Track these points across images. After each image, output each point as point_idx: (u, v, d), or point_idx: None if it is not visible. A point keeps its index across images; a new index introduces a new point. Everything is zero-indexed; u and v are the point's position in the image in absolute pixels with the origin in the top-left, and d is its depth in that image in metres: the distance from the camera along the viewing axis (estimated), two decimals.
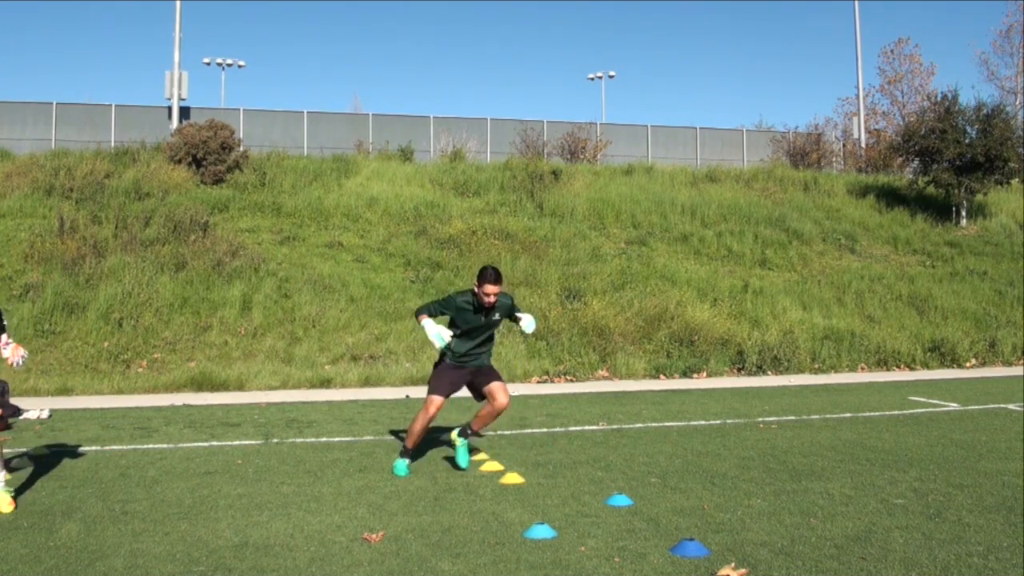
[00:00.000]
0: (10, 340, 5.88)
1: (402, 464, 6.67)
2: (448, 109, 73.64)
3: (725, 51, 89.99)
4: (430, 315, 6.50)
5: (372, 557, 4.54)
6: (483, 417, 6.68)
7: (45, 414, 9.75)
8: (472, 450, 7.06)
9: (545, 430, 8.81)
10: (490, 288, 6.38)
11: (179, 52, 24.12)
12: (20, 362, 5.82)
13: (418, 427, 6.58)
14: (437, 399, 6.53)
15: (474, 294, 6.51)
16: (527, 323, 6.66)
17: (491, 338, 6.76)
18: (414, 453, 6.85)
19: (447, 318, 6.64)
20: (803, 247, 19.58)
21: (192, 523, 5.22)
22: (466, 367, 6.68)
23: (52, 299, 13.72)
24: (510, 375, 13.47)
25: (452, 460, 6.90)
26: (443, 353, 6.71)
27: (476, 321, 6.55)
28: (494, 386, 6.60)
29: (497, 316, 6.62)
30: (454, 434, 6.82)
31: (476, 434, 6.80)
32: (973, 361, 15.52)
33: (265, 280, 15.23)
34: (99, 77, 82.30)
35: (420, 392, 12.15)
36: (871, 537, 4.84)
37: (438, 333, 6.35)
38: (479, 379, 6.69)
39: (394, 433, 8.60)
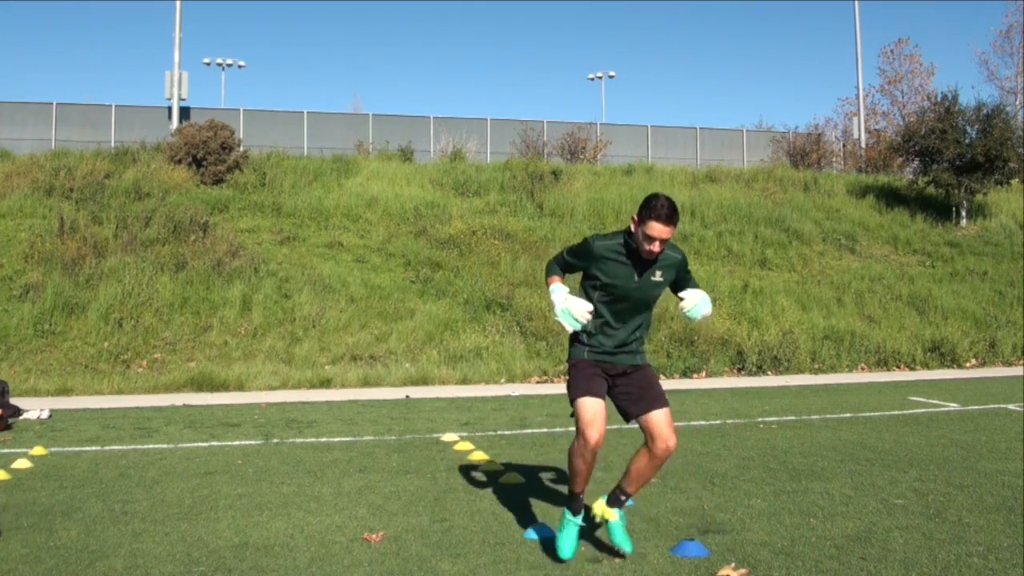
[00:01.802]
0: None
1: (571, 533, 4.35)
2: (448, 109, 73.65)
3: (725, 51, 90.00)
4: (562, 270, 4.39)
5: (372, 557, 4.54)
6: (641, 470, 4.29)
7: (45, 414, 9.75)
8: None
9: (545, 430, 8.81)
10: (657, 228, 4.03)
11: (179, 52, 24.13)
12: None
13: (580, 463, 4.24)
14: (591, 404, 4.18)
15: (629, 235, 4.20)
16: (694, 302, 4.24)
17: (644, 322, 4.38)
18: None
19: (580, 279, 4.40)
20: (803, 247, 19.58)
21: (192, 523, 5.22)
22: (611, 363, 4.33)
23: (52, 299, 13.73)
24: (509, 375, 13.48)
25: (600, 542, 4.71)
26: (575, 337, 4.34)
27: (628, 281, 4.21)
28: (657, 417, 4.23)
29: (661, 277, 4.27)
30: (601, 505, 4.43)
31: (630, 497, 4.43)
32: (973, 361, 15.52)
33: (265, 280, 15.23)
34: (99, 77, 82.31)
35: (420, 392, 12.18)
36: (871, 537, 4.84)
37: (567, 308, 4.13)
38: (632, 392, 4.34)
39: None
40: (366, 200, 19.12)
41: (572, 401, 4.25)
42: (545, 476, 6.55)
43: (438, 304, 15.30)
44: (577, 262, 4.33)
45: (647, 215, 4.05)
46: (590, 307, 4.14)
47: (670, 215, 4.02)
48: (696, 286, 4.35)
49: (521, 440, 8.25)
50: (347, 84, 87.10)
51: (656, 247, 4.08)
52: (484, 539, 4.84)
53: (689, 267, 4.44)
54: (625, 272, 4.20)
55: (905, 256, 20.17)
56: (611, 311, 4.26)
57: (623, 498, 4.38)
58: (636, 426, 4.36)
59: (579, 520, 4.36)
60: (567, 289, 4.21)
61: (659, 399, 4.26)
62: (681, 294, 4.31)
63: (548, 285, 4.33)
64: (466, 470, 6.75)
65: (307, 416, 9.83)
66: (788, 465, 6.91)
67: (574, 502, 4.37)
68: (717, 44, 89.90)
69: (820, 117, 63.37)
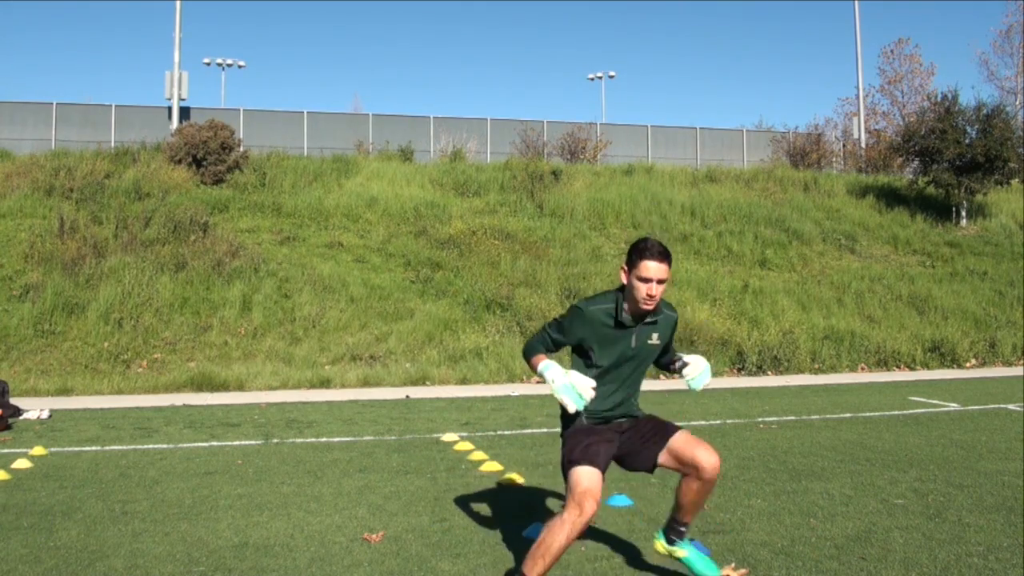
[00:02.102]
0: None
1: None
2: (448, 109, 73.63)
3: (725, 51, 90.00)
4: (547, 350, 3.97)
5: (372, 557, 4.54)
6: (694, 499, 3.94)
7: (45, 414, 9.75)
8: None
9: (545, 430, 8.81)
10: (652, 267, 3.72)
11: (179, 52, 24.12)
12: None
13: (565, 540, 3.62)
14: (588, 474, 3.73)
15: (621, 291, 3.88)
16: (699, 370, 4.10)
17: (639, 379, 4.09)
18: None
19: (573, 360, 4.06)
20: (803, 247, 19.58)
21: (192, 523, 5.22)
22: (613, 425, 4.02)
23: (52, 299, 13.73)
24: (510, 375, 13.48)
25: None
26: (575, 413, 3.84)
27: (623, 344, 3.90)
28: (681, 441, 3.92)
29: (658, 340, 3.96)
30: (663, 546, 4.11)
31: (686, 526, 4.07)
32: (973, 361, 15.52)
33: (265, 280, 15.23)
34: (99, 77, 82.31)
35: (420, 392, 12.18)
36: (871, 537, 4.84)
37: (571, 384, 3.71)
38: (640, 436, 4.01)
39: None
40: (366, 200, 19.12)
41: (566, 470, 3.79)
42: (545, 476, 6.54)
43: (438, 304, 15.30)
44: (564, 338, 3.92)
45: (638, 257, 3.73)
46: (592, 383, 3.71)
47: (663, 252, 3.74)
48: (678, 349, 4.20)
49: (521, 440, 8.25)
50: (347, 84, 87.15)
51: (654, 290, 3.71)
52: (484, 539, 4.84)
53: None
54: (622, 340, 3.86)
55: (905, 256, 20.17)
56: (608, 379, 3.91)
57: (683, 528, 4.01)
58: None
59: None
60: (558, 366, 3.78)
61: (670, 427, 3.96)
62: (686, 358, 4.09)
63: (534, 366, 3.86)
64: (466, 470, 6.75)
65: (307, 416, 9.83)
66: (788, 465, 6.91)
67: None
68: (717, 44, 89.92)
69: (820, 117, 63.42)
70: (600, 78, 42.27)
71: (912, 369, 15.09)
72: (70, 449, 7.78)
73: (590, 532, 4.96)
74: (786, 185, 23.29)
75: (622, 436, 3.98)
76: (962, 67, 71.53)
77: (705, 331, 14.87)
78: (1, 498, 5.85)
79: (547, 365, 3.79)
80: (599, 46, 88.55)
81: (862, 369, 14.94)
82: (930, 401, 10.95)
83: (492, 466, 6.77)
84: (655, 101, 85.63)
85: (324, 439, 8.30)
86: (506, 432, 8.71)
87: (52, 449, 7.73)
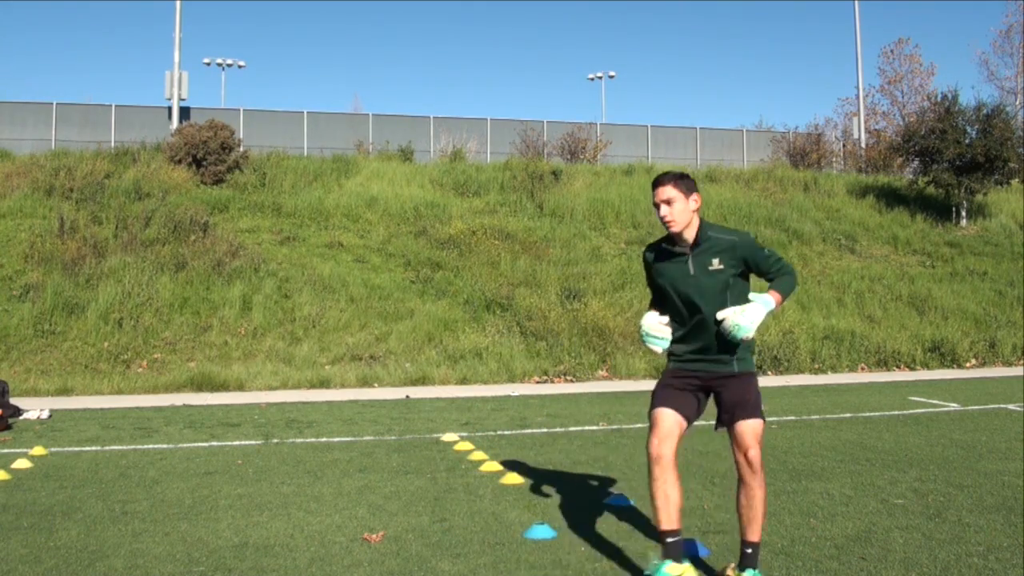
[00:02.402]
0: None
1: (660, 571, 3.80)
2: (448, 109, 73.66)
3: (725, 51, 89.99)
4: (655, 305, 4.16)
5: (372, 557, 4.54)
6: (752, 507, 3.90)
7: (45, 414, 9.75)
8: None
9: (545, 430, 8.81)
10: (657, 192, 3.90)
11: (179, 52, 24.12)
12: None
13: (651, 485, 3.84)
14: (659, 414, 3.93)
15: (657, 245, 4.09)
16: (735, 320, 3.81)
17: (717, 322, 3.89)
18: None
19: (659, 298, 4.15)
20: (803, 247, 19.58)
21: (192, 523, 5.21)
22: (694, 373, 4.01)
23: (52, 299, 13.73)
24: (509, 375, 13.48)
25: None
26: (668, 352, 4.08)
27: (684, 276, 3.93)
28: (742, 428, 3.90)
29: (719, 264, 3.87)
30: (731, 572, 3.95)
31: (756, 546, 3.93)
32: (973, 361, 15.52)
33: (265, 280, 15.23)
34: (99, 77, 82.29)
35: (420, 392, 12.18)
36: (871, 537, 4.84)
37: (645, 331, 4.03)
38: (726, 399, 3.99)
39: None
40: (366, 200, 19.12)
41: (650, 409, 3.96)
42: (545, 476, 6.55)
43: (438, 304, 15.30)
44: (649, 282, 4.17)
45: (653, 191, 3.93)
46: (664, 318, 3.97)
47: (664, 175, 3.93)
48: (785, 272, 3.95)
49: (521, 440, 8.25)
50: (347, 84, 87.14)
51: (665, 213, 3.86)
52: (484, 539, 4.84)
53: (763, 247, 3.95)
54: (677, 268, 3.93)
55: (905, 256, 20.17)
56: (676, 316, 3.98)
57: (749, 551, 3.91)
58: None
59: (665, 569, 3.75)
60: (652, 313, 4.04)
61: (752, 408, 3.92)
62: (762, 295, 3.89)
63: None
64: (466, 470, 6.75)
65: (307, 416, 9.83)
66: (788, 465, 6.91)
67: (663, 544, 3.83)
68: (717, 44, 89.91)
69: (820, 117, 63.42)
70: (600, 78, 42.28)
71: (912, 369, 15.09)
72: (70, 449, 7.78)
73: (591, 532, 4.96)
74: (786, 185, 23.29)
75: (709, 385, 3.99)
76: (962, 67, 71.57)
77: None
78: (1, 498, 5.85)
79: (646, 315, 4.05)
80: (599, 46, 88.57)
81: (862, 369, 14.94)
82: (930, 401, 10.95)
83: (492, 466, 6.77)
84: (655, 101, 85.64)
85: (324, 439, 8.30)
86: (506, 432, 8.71)
87: (52, 449, 7.73)
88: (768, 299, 3.86)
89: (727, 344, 3.90)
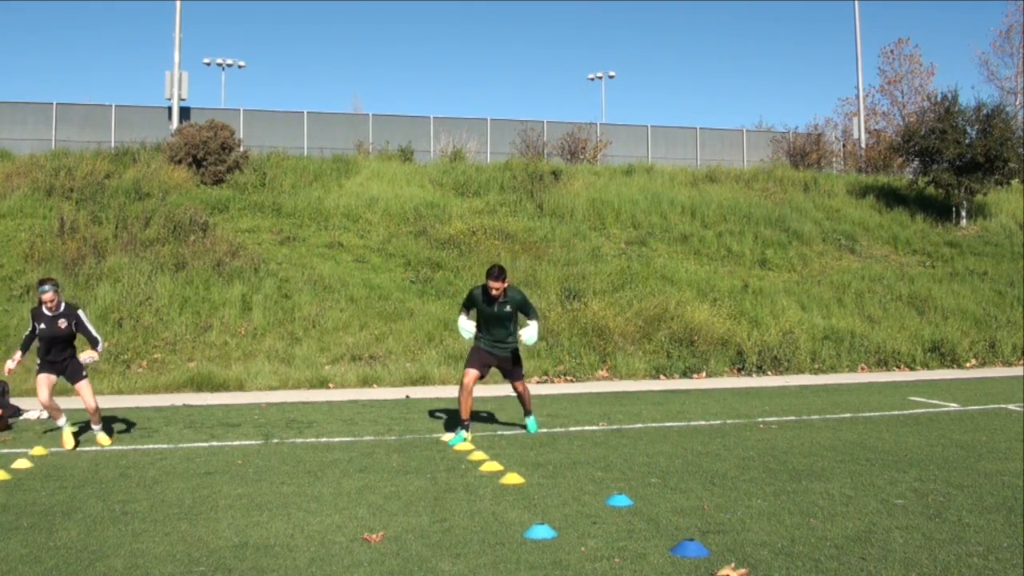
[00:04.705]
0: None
1: (460, 435, 7.93)
2: (448, 109, 73.70)
3: (725, 51, 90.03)
4: (464, 310, 8.25)
5: (372, 557, 4.54)
6: (524, 401, 8.63)
7: (45, 414, 9.74)
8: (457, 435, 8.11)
9: (545, 430, 8.81)
10: (492, 283, 7.85)
11: (179, 52, 24.13)
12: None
13: (464, 399, 7.98)
14: (470, 372, 7.98)
15: (484, 288, 7.99)
16: (527, 334, 8.15)
17: (509, 329, 8.17)
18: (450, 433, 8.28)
19: (474, 312, 8.20)
20: (803, 247, 19.57)
21: (192, 523, 5.22)
22: (493, 353, 8.15)
23: None
24: None
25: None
26: (476, 338, 8.20)
27: (488, 311, 8.03)
28: (516, 384, 8.45)
29: (508, 308, 8.04)
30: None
31: (529, 412, 8.72)
32: (973, 361, 15.52)
33: (265, 280, 15.23)
34: (99, 77, 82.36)
35: (420, 392, 12.22)
36: (871, 537, 4.84)
37: (464, 327, 8.13)
38: (504, 369, 8.31)
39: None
40: (366, 200, 19.12)
41: (465, 366, 8.14)
42: (545, 476, 6.55)
43: (438, 304, 15.29)
44: (469, 303, 8.24)
45: (487, 277, 7.91)
46: (474, 325, 8.20)
47: (497, 275, 7.89)
48: (535, 316, 8.36)
49: (521, 440, 8.25)
50: (347, 84, 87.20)
51: (495, 292, 7.93)
52: (484, 539, 4.85)
53: (528, 300, 8.38)
54: (485, 307, 8.06)
55: (905, 256, 20.16)
56: (485, 325, 8.14)
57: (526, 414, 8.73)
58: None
59: (464, 432, 7.99)
60: (464, 317, 8.23)
61: (517, 376, 8.39)
62: (528, 321, 8.27)
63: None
64: (466, 470, 6.75)
65: (307, 416, 9.83)
66: (788, 465, 6.91)
67: (465, 426, 8.05)
68: (717, 44, 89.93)
69: (820, 117, 63.38)
70: (600, 78, 42.31)
71: (912, 369, 15.09)
72: (70, 449, 7.77)
73: (590, 532, 4.96)
74: (786, 185, 23.28)
75: (499, 361, 8.26)
76: (962, 67, 71.62)
77: (705, 331, 14.86)
78: (1, 498, 5.85)
79: (460, 317, 8.33)
80: (599, 46, 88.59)
81: (862, 369, 14.93)
82: (930, 401, 10.95)
83: (492, 466, 6.78)
84: (655, 101, 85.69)
85: (324, 439, 8.30)
86: (506, 432, 8.71)
87: (52, 449, 7.73)
88: (534, 324, 8.29)
89: (508, 340, 8.22)
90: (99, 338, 8.15)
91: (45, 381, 7.91)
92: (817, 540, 4.78)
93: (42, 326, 7.84)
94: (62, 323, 7.86)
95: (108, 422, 9.01)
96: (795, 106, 79.27)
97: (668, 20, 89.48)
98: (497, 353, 8.15)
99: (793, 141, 27.99)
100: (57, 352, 8.00)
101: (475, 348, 8.14)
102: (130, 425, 9.17)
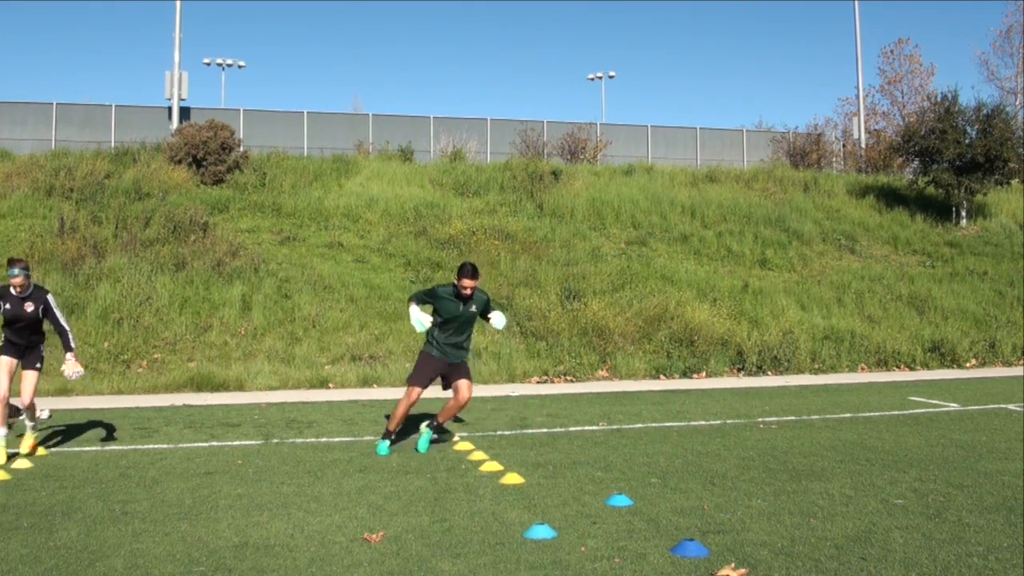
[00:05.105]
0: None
1: (384, 444, 7.55)
2: (448, 109, 73.72)
3: (725, 51, 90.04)
4: (418, 303, 7.61)
5: (372, 557, 4.54)
6: (448, 411, 7.61)
7: (45, 414, 9.72)
8: (439, 435, 7.96)
9: (545, 430, 8.81)
10: (466, 281, 7.36)
11: (179, 52, 24.14)
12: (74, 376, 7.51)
13: (400, 412, 7.51)
14: (416, 390, 7.48)
15: (455, 286, 7.47)
16: (496, 319, 7.63)
17: (468, 333, 7.66)
18: (398, 439, 7.89)
19: (431, 308, 7.63)
20: (803, 247, 19.57)
21: (192, 523, 5.22)
22: (445, 359, 7.54)
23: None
24: (510, 375, 13.48)
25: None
26: (427, 339, 7.62)
27: (455, 310, 7.47)
28: (461, 382, 7.51)
29: (473, 308, 7.55)
30: (423, 425, 7.79)
31: (440, 428, 7.78)
32: (973, 361, 15.51)
33: (265, 280, 15.23)
34: (99, 77, 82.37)
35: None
36: (871, 537, 4.84)
37: (419, 319, 7.45)
38: (452, 373, 7.58)
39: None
40: (366, 200, 19.12)
41: (409, 382, 7.61)
42: (545, 476, 6.55)
43: None
44: (428, 299, 7.60)
45: (461, 275, 7.37)
46: (431, 319, 7.51)
47: (472, 273, 7.37)
48: (499, 311, 7.77)
49: (521, 440, 8.25)
50: (347, 84, 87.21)
51: (467, 291, 7.39)
52: (484, 539, 4.85)
53: (491, 301, 7.83)
54: (453, 306, 7.47)
55: (905, 256, 20.16)
56: (446, 326, 7.52)
57: (434, 425, 7.79)
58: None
59: (388, 442, 7.62)
60: (418, 308, 7.57)
61: (466, 375, 7.57)
62: (490, 314, 7.63)
63: (408, 306, 7.73)
64: (466, 470, 6.75)
65: (307, 416, 9.83)
66: (788, 465, 6.91)
67: (389, 436, 7.65)
68: (717, 44, 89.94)
69: (820, 117, 63.46)
70: (600, 78, 42.30)
71: (912, 369, 15.08)
72: (70, 449, 7.78)
73: (590, 532, 4.96)
74: (786, 185, 23.28)
75: (448, 367, 7.58)
76: (962, 67, 71.63)
77: (705, 331, 14.86)
78: (1, 498, 5.85)
79: (412, 307, 7.69)
80: (599, 46, 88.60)
81: (862, 369, 14.93)
82: (930, 401, 10.95)
83: (492, 466, 6.78)
84: (655, 101, 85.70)
85: (324, 439, 8.30)
86: (506, 432, 8.71)
87: (52, 449, 7.73)
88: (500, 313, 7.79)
89: (465, 345, 7.67)
90: (67, 327, 7.59)
91: (5, 366, 7.36)
92: (817, 540, 4.78)
93: (7, 306, 7.35)
94: (28, 306, 7.38)
95: (108, 426, 9.00)
96: (795, 106, 79.33)
97: (668, 20, 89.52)
98: (451, 360, 7.53)
99: (793, 141, 28.00)
100: (21, 335, 7.47)
101: (426, 357, 7.53)
102: (110, 430, 9.16)
